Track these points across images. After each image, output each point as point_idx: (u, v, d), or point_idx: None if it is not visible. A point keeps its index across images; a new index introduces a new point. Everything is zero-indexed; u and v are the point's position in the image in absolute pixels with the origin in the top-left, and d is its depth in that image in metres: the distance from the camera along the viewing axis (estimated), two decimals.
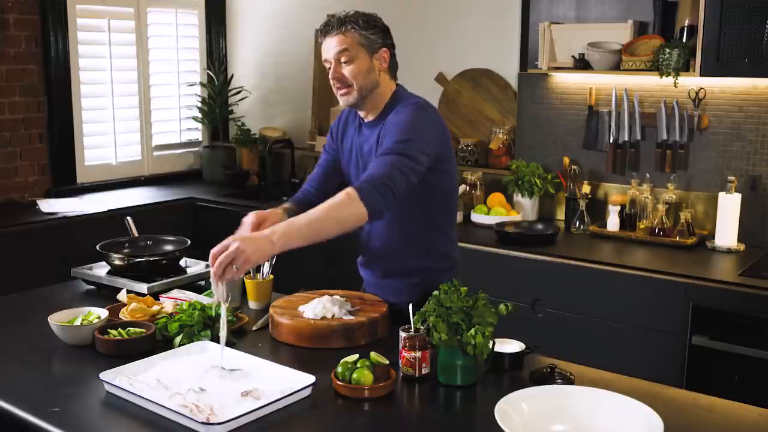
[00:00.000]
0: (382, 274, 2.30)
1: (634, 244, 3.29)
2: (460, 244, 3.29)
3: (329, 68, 2.15)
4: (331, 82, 2.15)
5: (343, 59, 2.11)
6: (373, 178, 1.95)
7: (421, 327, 1.79)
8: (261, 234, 1.86)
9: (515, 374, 1.83)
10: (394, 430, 1.63)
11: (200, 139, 5.01)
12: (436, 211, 2.23)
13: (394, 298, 2.20)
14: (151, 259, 2.55)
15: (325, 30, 2.14)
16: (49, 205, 3.89)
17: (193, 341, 1.96)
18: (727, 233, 3.14)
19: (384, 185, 1.93)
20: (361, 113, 2.23)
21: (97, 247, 2.57)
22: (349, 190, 1.94)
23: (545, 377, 1.78)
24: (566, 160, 3.65)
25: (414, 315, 1.81)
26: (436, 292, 1.79)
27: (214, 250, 1.80)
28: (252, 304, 2.33)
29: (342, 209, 1.91)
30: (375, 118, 2.20)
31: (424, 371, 1.79)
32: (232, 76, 4.96)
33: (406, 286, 2.23)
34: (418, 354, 1.78)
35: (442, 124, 2.17)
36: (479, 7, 3.96)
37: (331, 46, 2.12)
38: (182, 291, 2.39)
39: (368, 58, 2.12)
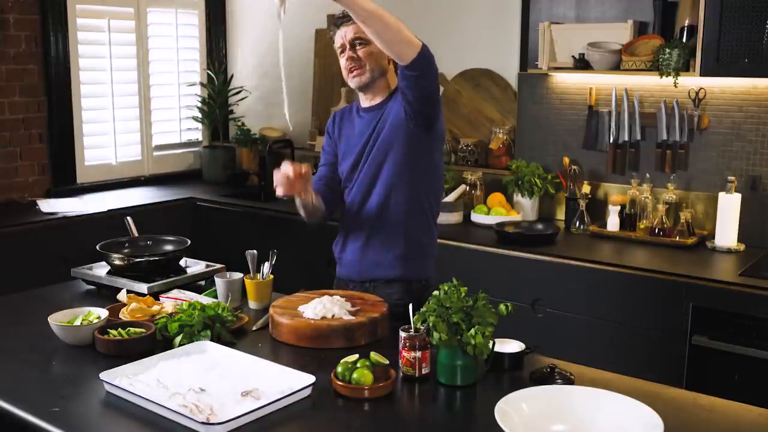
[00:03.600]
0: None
1: (634, 244, 3.29)
2: (460, 243, 3.32)
3: (342, 53, 2.30)
4: (345, 64, 2.30)
5: (358, 43, 2.27)
6: None
7: (421, 327, 1.79)
8: None
9: (515, 374, 1.83)
10: (394, 430, 1.63)
11: (200, 139, 5.01)
12: (434, 197, 2.39)
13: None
14: (151, 259, 2.55)
15: (341, 21, 2.31)
16: (49, 205, 3.89)
17: (193, 341, 1.96)
18: (727, 233, 3.14)
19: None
20: (366, 98, 2.37)
21: (97, 247, 2.57)
22: None
23: (545, 377, 1.78)
24: (566, 160, 3.65)
25: (414, 315, 1.81)
26: (436, 292, 1.79)
27: None
28: (252, 304, 2.33)
29: (404, 25, 2.04)
30: (377, 104, 2.34)
31: (424, 371, 1.79)
32: (232, 76, 4.96)
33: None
34: (418, 354, 1.78)
35: None
36: (479, 7, 3.96)
37: (347, 32, 2.28)
38: (182, 291, 2.39)
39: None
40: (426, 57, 2.09)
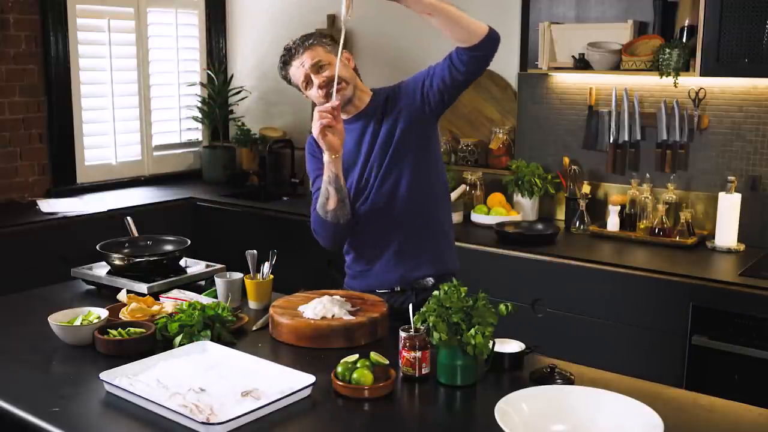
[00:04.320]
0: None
1: (634, 244, 3.29)
2: (460, 244, 3.31)
3: (309, 83, 2.22)
4: (319, 92, 2.20)
5: (319, 66, 2.20)
6: None
7: (421, 327, 1.79)
8: None
9: (515, 374, 1.83)
10: (394, 430, 1.63)
11: (200, 139, 5.01)
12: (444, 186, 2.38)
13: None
14: (151, 259, 2.55)
15: (288, 56, 2.25)
16: (49, 205, 3.89)
17: (193, 341, 1.96)
18: (727, 233, 3.14)
19: None
20: (345, 110, 2.26)
21: (97, 247, 2.57)
22: None
23: (545, 377, 1.78)
24: (566, 160, 3.65)
25: (414, 315, 1.81)
26: (436, 292, 1.79)
27: None
28: (252, 304, 2.33)
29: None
30: (362, 111, 2.27)
31: (424, 371, 1.79)
32: (232, 76, 4.96)
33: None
34: (418, 354, 1.78)
35: None
36: (479, 7, 3.96)
37: (304, 62, 2.21)
38: (182, 291, 2.39)
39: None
40: (493, 38, 2.13)
